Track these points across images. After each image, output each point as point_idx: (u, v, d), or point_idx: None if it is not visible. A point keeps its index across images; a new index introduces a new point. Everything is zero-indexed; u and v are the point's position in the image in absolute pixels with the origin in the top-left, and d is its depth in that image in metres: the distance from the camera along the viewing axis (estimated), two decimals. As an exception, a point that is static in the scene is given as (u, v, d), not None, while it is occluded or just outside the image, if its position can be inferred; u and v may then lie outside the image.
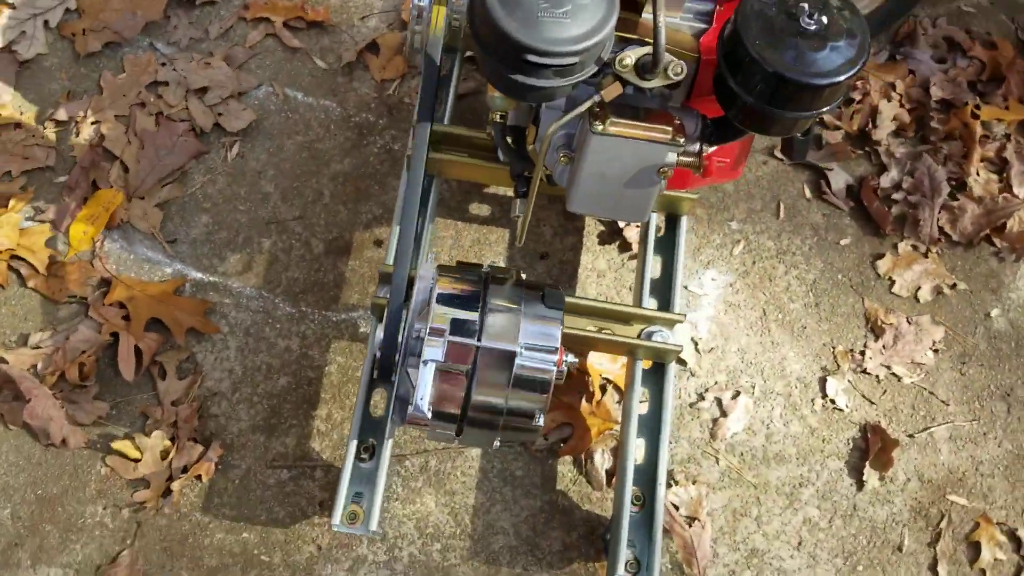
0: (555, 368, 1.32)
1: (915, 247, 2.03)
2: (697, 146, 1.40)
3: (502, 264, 1.96)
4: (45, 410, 1.73)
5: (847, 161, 2.11)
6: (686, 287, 1.96)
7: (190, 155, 1.98)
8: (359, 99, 2.10)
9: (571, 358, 1.38)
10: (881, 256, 2.02)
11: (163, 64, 2.07)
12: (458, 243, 1.96)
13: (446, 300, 1.33)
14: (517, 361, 1.30)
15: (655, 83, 1.28)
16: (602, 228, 2.00)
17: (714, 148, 1.46)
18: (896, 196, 2.06)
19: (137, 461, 1.72)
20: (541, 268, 1.96)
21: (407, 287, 1.36)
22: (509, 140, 1.49)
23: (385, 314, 1.37)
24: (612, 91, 1.28)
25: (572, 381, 1.83)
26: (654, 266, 1.80)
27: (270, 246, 1.93)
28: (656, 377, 1.70)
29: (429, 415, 1.29)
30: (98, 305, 1.82)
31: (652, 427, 1.66)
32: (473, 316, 1.32)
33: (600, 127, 1.29)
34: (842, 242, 2.03)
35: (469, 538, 1.72)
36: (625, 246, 1.97)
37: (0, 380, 1.74)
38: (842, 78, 1.21)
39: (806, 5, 1.20)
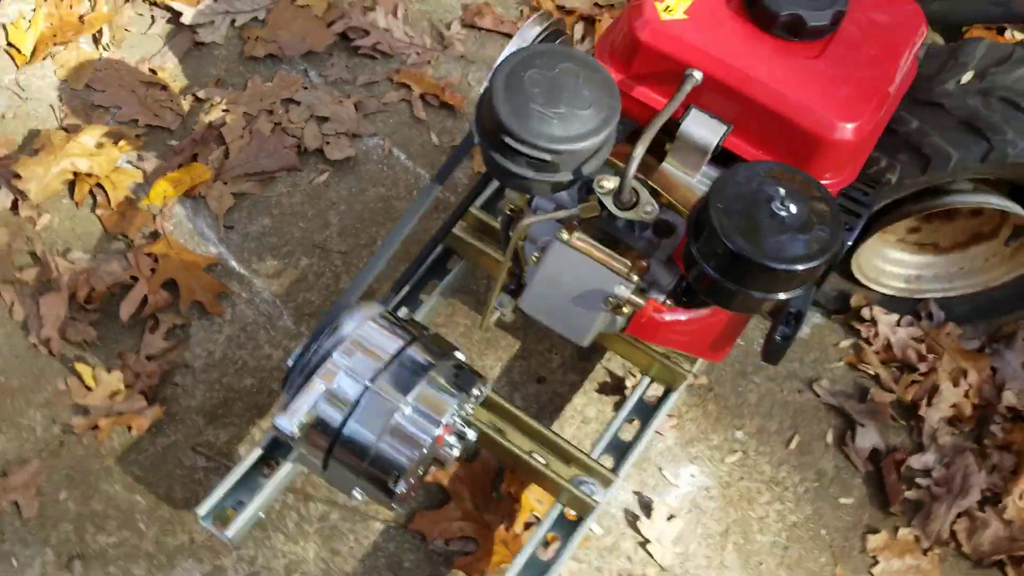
0: (431, 440, 1.30)
1: (917, 539, 1.84)
2: (663, 297, 1.37)
3: (497, 368, 1.96)
4: (49, 309, 1.87)
5: (884, 424, 1.97)
6: (661, 469, 1.88)
7: (284, 165, 2.15)
8: (450, 180, 2.21)
9: (454, 444, 1.35)
10: (876, 531, 1.84)
11: (305, 88, 2.29)
12: (461, 332, 1.99)
13: (366, 337, 1.36)
14: (396, 416, 1.29)
15: (628, 215, 1.28)
16: (608, 380, 1.96)
17: (689, 314, 1.43)
18: (920, 480, 1.89)
19: (89, 390, 1.82)
20: (532, 390, 1.94)
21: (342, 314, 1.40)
22: (511, 233, 1.53)
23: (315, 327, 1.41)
24: (588, 210, 1.29)
25: (502, 504, 1.78)
26: (626, 427, 1.74)
27: (305, 266, 2.03)
28: (568, 529, 1.62)
29: (295, 430, 1.30)
30: (138, 251, 1.98)
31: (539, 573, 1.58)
32: (379, 359, 1.33)
33: (565, 236, 1.31)
34: (842, 500, 1.88)
35: (328, 602, 1.67)
36: (620, 406, 1.92)
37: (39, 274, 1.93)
38: (797, 267, 1.17)
39: (782, 191, 1.19)
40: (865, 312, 2.07)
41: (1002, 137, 1.63)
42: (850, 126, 1.27)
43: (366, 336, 1.36)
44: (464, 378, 1.37)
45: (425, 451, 1.31)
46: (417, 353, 1.38)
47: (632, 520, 1.81)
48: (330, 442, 1.33)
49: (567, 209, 1.34)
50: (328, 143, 2.19)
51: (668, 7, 1.30)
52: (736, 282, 1.21)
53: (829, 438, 1.95)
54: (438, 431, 1.32)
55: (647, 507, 1.82)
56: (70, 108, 2.18)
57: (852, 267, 1.99)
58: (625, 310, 1.35)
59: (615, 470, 1.65)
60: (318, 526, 1.74)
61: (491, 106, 1.21)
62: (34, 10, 2.28)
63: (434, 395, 1.33)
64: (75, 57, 2.25)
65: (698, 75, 1.28)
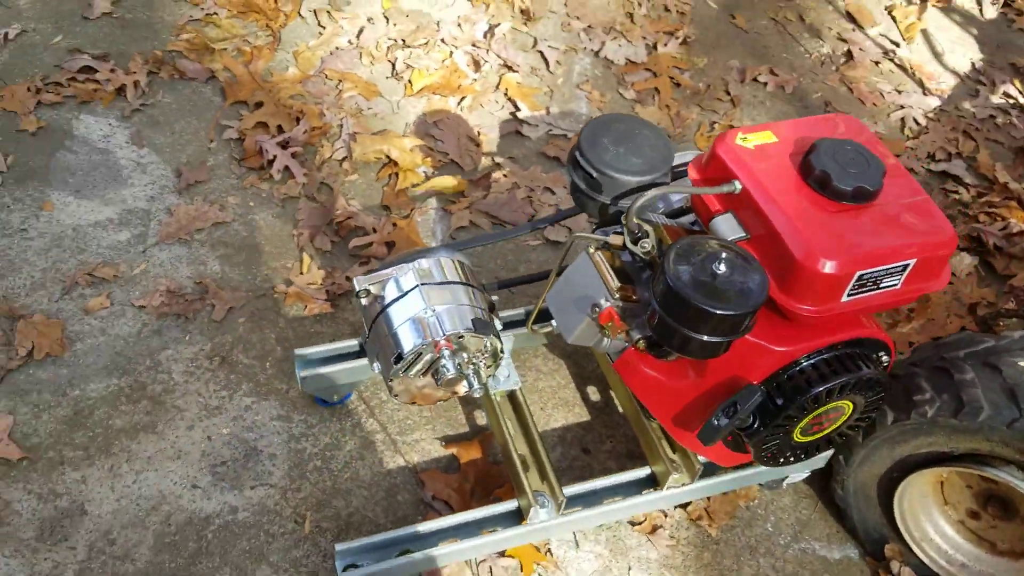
0: (431, 341, 1.74)
1: None
2: (638, 334, 1.72)
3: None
4: (314, 218, 2.62)
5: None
6: (630, 569, 2.08)
7: (513, 220, 2.76)
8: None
9: (449, 365, 1.78)
10: None
11: (569, 190, 2.90)
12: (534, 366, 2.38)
13: (442, 264, 1.86)
14: (420, 311, 1.77)
15: (631, 246, 1.67)
16: (642, 475, 2.22)
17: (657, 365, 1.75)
18: None
19: (301, 273, 2.51)
20: (572, 452, 2.27)
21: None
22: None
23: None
24: (615, 239, 1.71)
25: (487, 501, 2.11)
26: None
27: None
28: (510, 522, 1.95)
29: (362, 288, 1.82)
30: (388, 219, 2.68)
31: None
32: (438, 278, 1.83)
33: (591, 250, 1.73)
34: None
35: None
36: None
37: (326, 199, 2.71)
38: (717, 311, 1.47)
39: (725, 256, 1.52)
40: (895, 566, 2.12)
41: (1033, 415, 1.75)
42: (828, 262, 1.56)
43: (443, 263, 1.87)
44: (481, 325, 1.81)
45: (424, 344, 1.76)
46: (465, 291, 1.85)
47: (579, 576, 2.04)
48: (378, 312, 1.84)
49: (606, 238, 1.75)
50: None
51: (745, 138, 1.72)
52: (671, 316, 1.53)
53: (791, 637, 2.02)
54: (440, 339, 1.76)
55: None
56: (415, 128, 3.01)
57: (897, 510, 2.08)
58: (608, 334, 1.70)
59: (568, 504, 1.95)
60: (363, 436, 2.22)
61: (578, 136, 1.71)
62: (439, 65, 3.19)
63: (452, 316, 1.79)
64: (444, 104, 3.10)
65: (738, 185, 1.67)
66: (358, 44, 3.19)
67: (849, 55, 3.61)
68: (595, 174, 1.68)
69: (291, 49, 3.15)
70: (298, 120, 2.86)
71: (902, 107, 3.41)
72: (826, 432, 1.84)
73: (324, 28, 3.24)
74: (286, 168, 2.74)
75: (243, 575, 1.96)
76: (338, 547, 1.84)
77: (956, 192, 3.12)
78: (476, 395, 1.94)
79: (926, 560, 2.12)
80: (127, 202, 2.61)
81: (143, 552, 1.97)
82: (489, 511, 1.96)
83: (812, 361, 1.71)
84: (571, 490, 1.98)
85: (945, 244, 1.66)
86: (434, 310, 1.79)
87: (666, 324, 1.56)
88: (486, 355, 1.86)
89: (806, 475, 2.25)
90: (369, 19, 3.30)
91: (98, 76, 2.88)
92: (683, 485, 2.04)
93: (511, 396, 2.10)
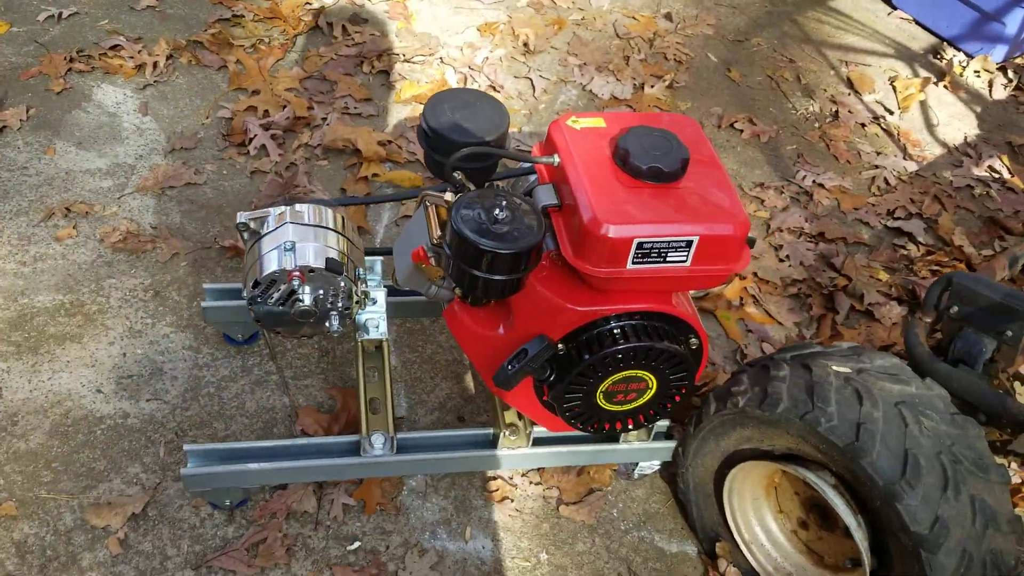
0: (284, 269, 1.97)
1: None
2: (447, 282, 1.90)
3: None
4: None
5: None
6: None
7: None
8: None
9: (305, 296, 2.01)
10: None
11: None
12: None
13: (320, 210, 2.10)
14: (284, 243, 2.00)
15: (449, 200, 1.86)
16: (482, 433, 2.36)
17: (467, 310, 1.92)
18: None
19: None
20: (446, 418, 2.43)
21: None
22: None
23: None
24: (449, 196, 1.90)
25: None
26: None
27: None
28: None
29: (241, 221, 2.08)
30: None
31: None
32: (310, 222, 2.06)
33: (428, 202, 1.93)
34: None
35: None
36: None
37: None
38: (492, 250, 1.65)
39: (506, 203, 1.69)
40: (722, 565, 2.19)
41: (823, 407, 1.84)
42: (610, 227, 1.71)
43: (321, 211, 2.11)
44: (335, 265, 2.02)
45: (277, 271, 1.98)
46: (333, 237, 2.07)
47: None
48: (252, 243, 2.09)
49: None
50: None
51: (576, 121, 1.90)
52: (458, 257, 1.72)
53: (601, 606, 2.11)
54: (292, 269, 1.98)
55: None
56: (392, 128, 3.28)
57: (727, 507, 2.15)
58: (425, 275, 1.89)
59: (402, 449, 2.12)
60: (260, 374, 2.45)
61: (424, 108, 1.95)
62: (430, 79, 3.48)
63: (309, 252, 2.01)
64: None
65: (557, 159, 1.85)
66: (362, 54, 3.52)
67: (836, 115, 3.71)
68: (431, 134, 1.90)
69: (303, 53, 3.50)
70: (283, 108, 3.19)
71: (876, 167, 3.48)
72: (633, 405, 1.96)
73: (336, 38, 3.59)
74: (263, 147, 3.06)
75: (116, 468, 2.20)
76: (187, 447, 2.06)
77: (904, 248, 3.16)
78: (334, 333, 2.15)
79: (755, 564, 2.17)
80: (119, 157, 2.97)
81: (38, 436, 2.24)
82: (331, 440, 2.14)
83: (611, 325, 1.85)
84: (407, 435, 2.15)
85: (733, 226, 1.78)
86: (294, 243, 2.02)
87: (455, 266, 1.74)
88: (342, 297, 2.08)
89: (656, 467, 2.34)
90: (381, 34, 3.63)
91: (123, 53, 3.30)
92: (517, 448, 2.18)
93: (379, 346, 2.30)
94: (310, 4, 3.70)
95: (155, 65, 3.29)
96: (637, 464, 2.33)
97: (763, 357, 2.10)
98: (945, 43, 4.18)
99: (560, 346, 1.85)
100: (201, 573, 2.05)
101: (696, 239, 1.76)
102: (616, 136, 1.84)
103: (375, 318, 2.31)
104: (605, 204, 1.74)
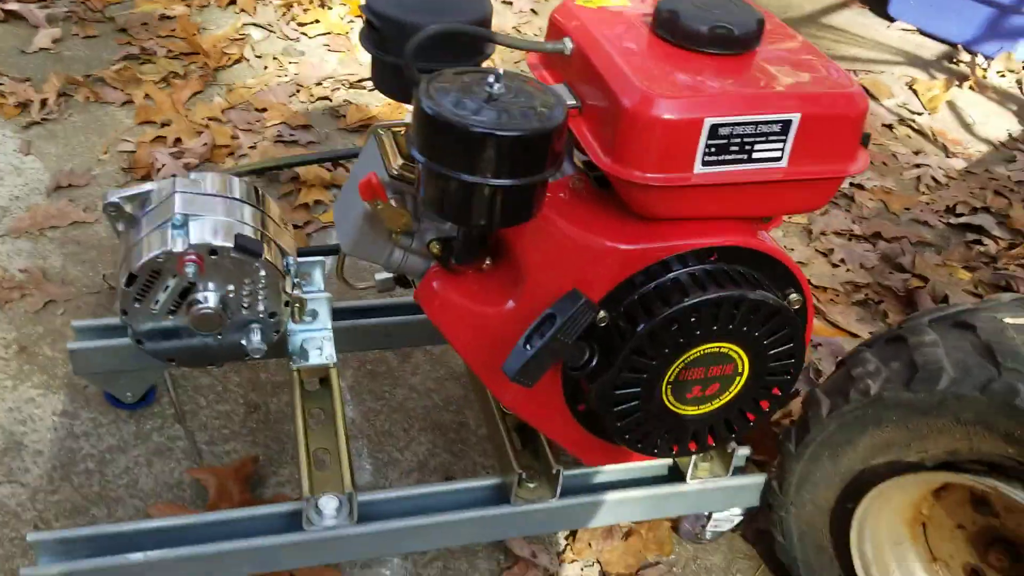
0: (167, 251, 1.32)
1: None
2: (429, 233, 1.25)
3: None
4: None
5: None
6: None
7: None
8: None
9: (210, 290, 1.35)
10: None
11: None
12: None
13: (214, 179, 1.47)
14: (169, 220, 1.35)
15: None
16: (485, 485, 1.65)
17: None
18: None
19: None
20: (430, 476, 1.72)
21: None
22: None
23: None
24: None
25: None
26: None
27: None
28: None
29: (108, 200, 1.43)
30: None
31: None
32: (205, 190, 1.43)
33: (380, 131, 1.30)
34: None
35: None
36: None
37: None
38: (498, 132, 1.01)
39: (503, 76, 1.07)
40: (858, 647, 1.46)
41: (1018, 370, 1.18)
42: (666, 103, 1.09)
43: (225, 180, 1.47)
44: (252, 244, 1.36)
45: (159, 254, 1.33)
46: (248, 211, 1.43)
47: None
48: (127, 230, 1.43)
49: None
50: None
51: (586, 1, 1.30)
52: (436, 158, 1.07)
53: None
54: (186, 250, 1.33)
55: None
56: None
57: (859, 563, 1.46)
58: (381, 215, 1.23)
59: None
60: (161, 441, 1.74)
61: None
62: (382, 103, 2.91)
63: (207, 227, 1.36)
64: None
65: (569, 43, 1.23)
66: (295, 80, 2.96)
67: (859, 118, 3.19)
68: (380, 22, 1.28)
69: (225, 85, 2.92)
70: (200, 134, 2.58)
71: (918, 166, 2.93)
72: (716, 404, 1.29)
73: (267, 68, 3.03)
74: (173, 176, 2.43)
75: (-63, 586, 1.46)
76: (31, 535, 1.32)
77: (981, 244, 2.57)
78: (255, 355, 1.47)
79: (908, 644, 1.46)
80: (-14, 199, 2.32)
81: None
82: (255, 512, 1.42)
83: (675, 272, 1.20)
84: (374, 495, 1.44)
85: (845, 100, 1.17)
86: (186, 216, 1.37)
87: (434, 176, 1.09)
88: (264, 296, 1.42)
89: (738, 519, 1.64)
90: (320, 61, 3.09)
91: (4, 91, 2.69)
92: (539, 500, 1.47)
93: (324, 379, 1.61)
94: (237, 39, 3.16)
95: (43, 103, 2.67)
96: (710, 517, 1.63)
97: (883, 332, 1.45)
98: (958, 47, 3.74)
99: (601, 313, 1.19)
100: None
101: (796, 119, 1.14)
102: (655, 4, 1.24)
103: (316, 338, 1.64)
104: (655, 77, 1.13)
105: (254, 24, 3.27)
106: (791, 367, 1.27)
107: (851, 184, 2.79)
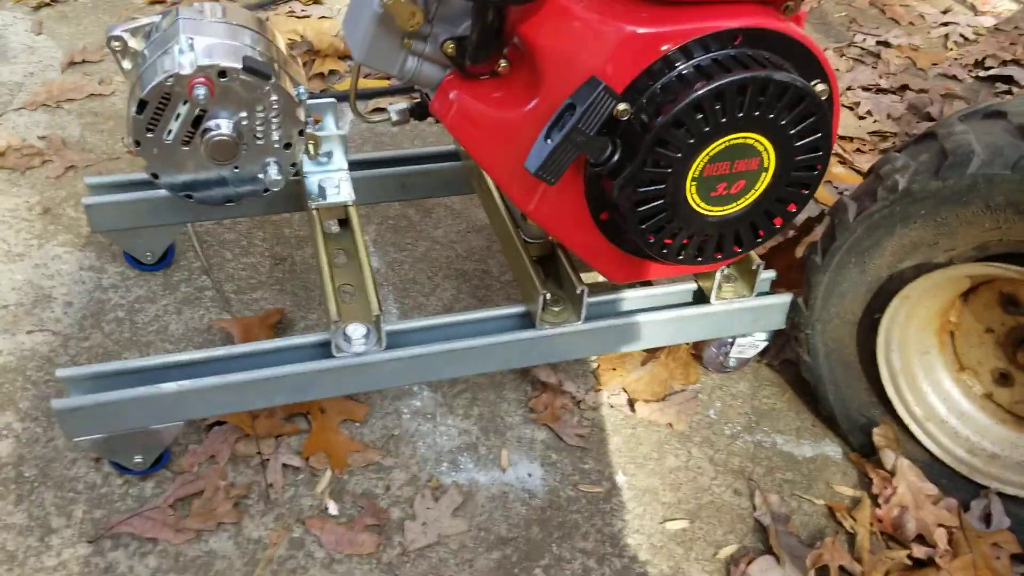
0: (174, 73, 1.29)
1: None
2: (443, 33, 1.23)
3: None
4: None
5: None
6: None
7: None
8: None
9: (222, 114, 1.34)
10: None
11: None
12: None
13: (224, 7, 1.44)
14: (174, 42, 1.33)
15: None
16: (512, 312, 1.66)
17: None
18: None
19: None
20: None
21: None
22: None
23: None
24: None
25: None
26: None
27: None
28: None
29: (114, 33, 1.41)
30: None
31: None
32: (208, 16, 1.40)
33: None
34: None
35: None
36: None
37: None
38: None
39: None
40: (888, 458, 1.47)
41: (1051, 144, 1.15)
42: None
43: (227, 9, 1.43)
44: (261, 67, 1.34)
45: (169, 79, 1.31)
46: (250, 36, 1.40)
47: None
48: (144, 47, 1.42)
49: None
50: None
51: None
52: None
53: (721, 553, 1.38)
54: (194, 72, 1.31)
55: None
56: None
57: (885, 371, 1.45)
58: (399, 21, 1.20)
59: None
60: (189, 291, 1.76)
61: None
62: None
63: (216, 50, 1.33)
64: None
65: None
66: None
67: (883, -19, 3.11)
68: None
69: (237, -34, 2.88)
70: (212, 8, 2.55)
71: (946, 24, 2.85)
72: (744, 203, 1.27)
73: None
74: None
75: (-22, 421, 1.49)
76: (61, 371, 1.33)
77: (1010, 93, 2.51)
78: (273, 187, 1.46)
79: (936, 449, 1.46)
80: (2, 76, 2.30)
81: None
82: (285, 342, 1.42)
83: (697, 58, 1.18)
84: (400, 324, 1.44)
85: None
86: (191, 40, 1.35)
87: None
88: (279, 122, 1.40)
89: (759, 346, 1.63)
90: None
91: (12, -26, 2.67)
92: (564, 323, 1.47)
93: (342, 222, 1.61)
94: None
95: (52, -16, 2.65)
96: (733, 343, 1.62)
97: (916, 136, 1.42)
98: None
99: (622, 106, 1.17)
100: (103, 547, 1.32)
101: None
102: None
103: (333, 178, 1.63)
104: None
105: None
106: (818, 161, 1.25)
107: (877, 42, 2.72)
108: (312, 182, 1.62)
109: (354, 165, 1.71)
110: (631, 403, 1.60)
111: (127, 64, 1.45)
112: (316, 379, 1.42)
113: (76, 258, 1.80)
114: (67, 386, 1.34)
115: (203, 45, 1.35)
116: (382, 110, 1.62)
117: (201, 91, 1.32)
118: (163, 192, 1.54)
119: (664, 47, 1.17)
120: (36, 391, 1.54)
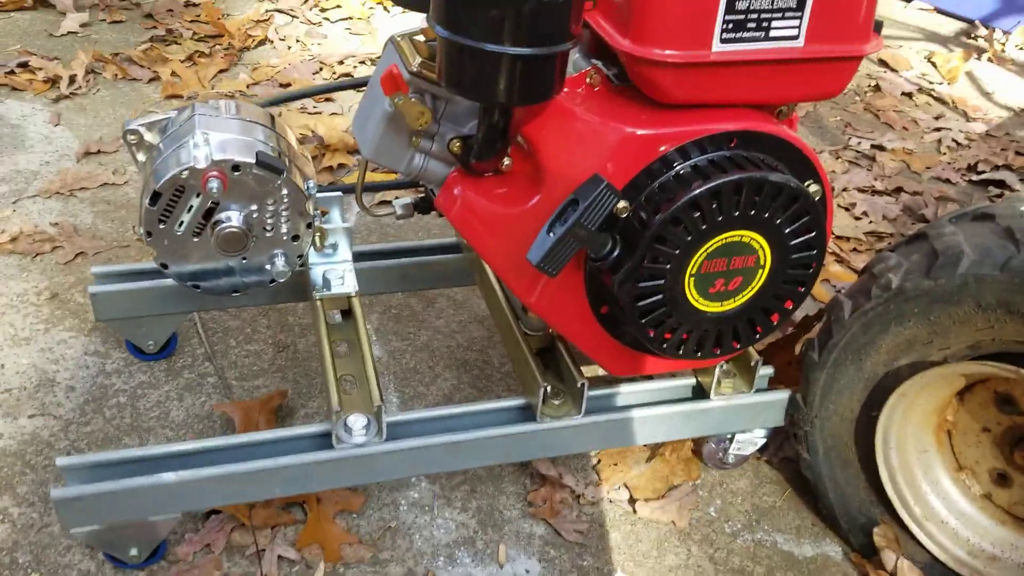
0: (188, 168, 1.33)
1: None
2: (450, 132, 1.28)
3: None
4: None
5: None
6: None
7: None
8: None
9: (233, 207, 1.38)
10: None
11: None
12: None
13: (239, 105, 1.49)
14: (189, 138, 1.38)
15: None
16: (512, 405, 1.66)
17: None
18: None
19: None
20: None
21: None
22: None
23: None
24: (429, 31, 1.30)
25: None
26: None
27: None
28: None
29: (131, 126, 1.45)
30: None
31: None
32: (224, 113, 1.45)
33: (398, 37, 1.33)
34: None
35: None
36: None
37: None
38: None
39: None
40: (889, 559, 1.46)
41: (1038, 248, 1.18)
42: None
43: (240, 106, 1.49)
44: (272, 161, 1.39)
45: (182, 170, 1.35)
46: (263, 132, 1.45)
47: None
48: (159, 141, 1.46)
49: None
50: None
51: None
52: (455, 27, 1.08)
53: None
54: (209, 166, 1.35)
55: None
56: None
57: (884, 469, 1.45)
58: (402, 108, 1.25)
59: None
60: (192, 378, 1.77)
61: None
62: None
63: (229, 145, 1.37)
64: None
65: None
66: (318, 58, 3.01)
67: (877, 88, 3.20)
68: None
69: (250, 64, 2.98)
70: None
71: (939, 130, 2.93)
72: (740, 300, 1.30)
73: (290, 49, 3.08)
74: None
75: (-26, 506, 1.48)
76: (61, 460, 1.33)
77: (1001, 198, 2.57)
78: (280, 279, 1.49)
79: (936, 550, 1.45)
80: (19, 165, 2.36)
81: None
82: (288, 432, 1.43)
83: (695, 159, 1.22)
84: (401, 416, 1.45)
85: (859, -24, 1.19)
86: (206, 135, 1.39)
87: (456, 50, 1.11)
88: (287, 216, 1.44)
89: (759, 443, 1.63)
90: (343, 41, 3.14)
91: (34, 68, 2.76)
92: (564, 417, 1.48)
93: (345, 313, 1.63)
94: (262, 19, 3.22)
95: (72, 79, 2.74)
96: (732, 439, 1.63)
97: (909, 236, 1.45)
98: (976, 23, 3.74)
99: (621, 203, 1.21)
100: (90, 639, 1.30)
101: (811, -7, 1.16)
102: None
103: (338, 269, 1.66)
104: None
105: (277, 10, 3.34)
106: (813, 259, 1.28)
107: (872, 145, 2.79)
108: (317, 273, 1.65)
109: (358, 256, 1.74)
110: (632, 500, 1.59)
111: (142, 157, 1.49)
112: (315, 471, 1.42)
113: (81, 343, 1.82)
114: (66, 475, 1.34)
115: (217, 140, 1.40)
116: (387, 203, 1.67)
117: (214, 184, 1.36)
118: (169, 282, 1.57)
119: (662, 147, 1.21)
120: (35, 476, 1.54)
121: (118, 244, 2.10)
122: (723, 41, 1.16)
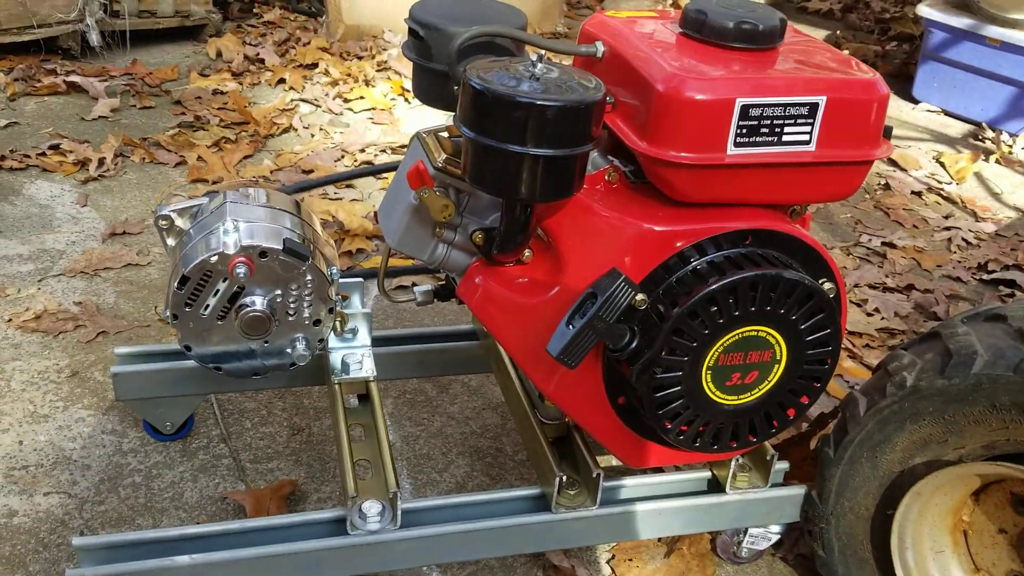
0: (218, 254, 1.38)
1: None
2: (473, 224, 1.31)
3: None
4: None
5: None
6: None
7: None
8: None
9: (258, 293, 1.42)
10: None
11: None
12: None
13: (267, 193, 1.54)
14: (219, 225, 1.42)
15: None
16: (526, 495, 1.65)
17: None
18: None
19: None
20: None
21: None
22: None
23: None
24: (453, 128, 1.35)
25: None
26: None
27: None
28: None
29: (161, 211, 1.51)
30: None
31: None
32: (255, 201, 1.50)
33: (424, 133, 1.38)
34: None
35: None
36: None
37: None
38: (541, 102, 1.08)
39: (543, 59, 1.15)
40: (906, 663, 1.43)
41: (1052, 349, 1.20)
42: (697, 83, 1.16)
43: (271, 194, 1.54)
44: (299, 248, 1.43)
45: (210, 255, 1.39)
46: (290, 220, 1.49)
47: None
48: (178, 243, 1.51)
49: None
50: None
51: (615, 12, 1.40)
52: (482, 130, 1.13)
53: None
54: (237, 252, 1.39)
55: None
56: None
57: (897, 562, 1.44)
58: (427, 203, 1.29)
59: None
60: (206, 459, 1.77)
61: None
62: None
63: (258, 231, 1.42)
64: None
65: (600, 47, 1.32)
66: (340, 146, 3.09)
67: (887, 186, 3.26)
68: (423, 32, 1.37)
69: (274, 151, 3.06)
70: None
71: (949, 228, 2.98)
72: (757, 393, 1.31)
73: (314, 137, 3.17)
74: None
75: (-15, 584, 1.48)
76: (76, 540, 1.33)
77: (1012, 297, 2.59)
78: (300, 362, 1.51)
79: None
80: (45, 244, 2.42)
81: None
82: (300, 517, 1.43)
83: (711, 256, 1.25)
84: (416, 503, 1.46)
85: (867, 85, 1.24)
86: (236, 222, 1.44)
87: (481, 150, 1.16)
88: (310, 301, 1.47)
89: (773, 538, 1.62)
90: (365, 130, 3.23)
91: (64, 150, 2.84)
92: (579, 507, 1.48)
93: (362, 397, 1.65)
94: (286, 109, 3.32)
95: (100, 161, 2.82)
96: (746, 533, 1.62)
97: (922, 334, 1.47)
98: (983, 125, 3.82)
99: (640, 296, 1.24)
100: None
101: (822, 102, 1.21)
102: (683, 8, 1.33)
103: (357, 354, 1.68)
104: (685, 66, 1.21)
105: (302, 99, 3.45)
106: (828, 355, 1.30)
107: (883, 243, 2.83)
108: (336, 357, 1.67)
109: (375, 341, 1.77)
110: (643, 594, 1.58)
111: (171, 241, 1.54)
112: (329, 557, 1.42)
113: (99, 421, 1.84)
114: (81, 556, 1.34)
115: (246, 226, 1.44)
116: (406, 288, 1.70)
117: (242, 269, 1.40)
118: (190, 363, 1.59)
119: (679, 243, 1.25)
120: (48, 554, 1.54)
121: (139, 324, 2.13)
122: (737, 145, 1.20)
